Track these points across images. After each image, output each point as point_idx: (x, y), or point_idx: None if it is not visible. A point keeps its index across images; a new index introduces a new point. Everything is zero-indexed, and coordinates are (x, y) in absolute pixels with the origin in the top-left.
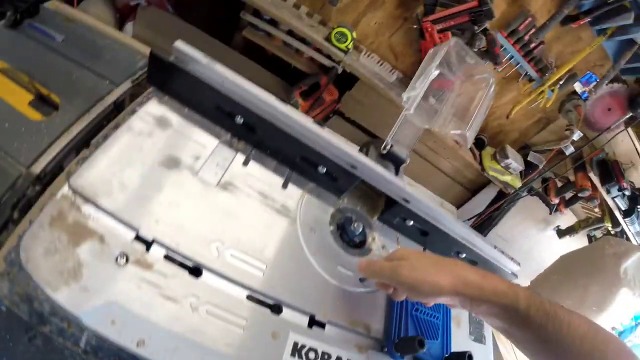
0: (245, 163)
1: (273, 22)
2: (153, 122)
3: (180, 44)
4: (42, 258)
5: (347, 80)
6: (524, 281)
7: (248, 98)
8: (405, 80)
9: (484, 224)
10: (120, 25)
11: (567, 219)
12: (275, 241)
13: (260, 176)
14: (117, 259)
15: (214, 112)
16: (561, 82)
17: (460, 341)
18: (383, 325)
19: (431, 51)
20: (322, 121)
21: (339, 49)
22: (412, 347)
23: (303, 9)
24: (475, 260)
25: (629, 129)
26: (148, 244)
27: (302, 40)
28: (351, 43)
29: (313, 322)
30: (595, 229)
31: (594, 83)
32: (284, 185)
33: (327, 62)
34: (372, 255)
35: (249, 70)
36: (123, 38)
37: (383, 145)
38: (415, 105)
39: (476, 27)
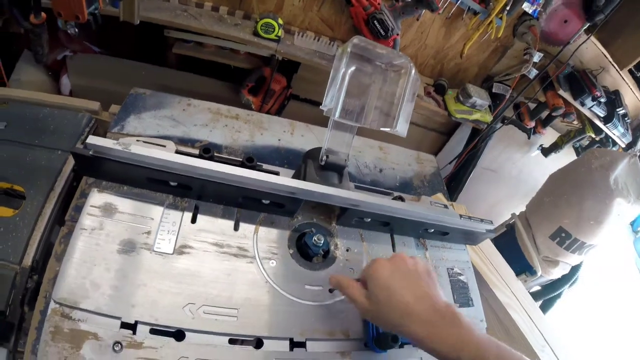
0: (193, 221)
1: None
2: (100, 214)
3: (92, 139)
4: None
5: (292, 63)
6: (520, 206)
7: (170, 165)
8: None
9: (467, 162)
10: (56, 81)
11: (549, 136)
12: (240, 284)
13: (210, 228)
14: (114, 348)
15: (149, 183)
16: (508, 8)
17: None
18: (361, 325)
19: (339, 51)
20: (279, 110)
21: (270, 39)
22: (388, 344)
23: (222, 9)
24: (447, 232)
25: (592, 37)
26: (133, 327)
27: None
28: (280, 30)
29: (293, 344)
30: (579, 140)
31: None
32: (236, 228)
33: (265, 52)
34: (338, 262)
35: (190, 84)
36: (60, 100)
37: (320, 158)
38: (339, 112)
39: None
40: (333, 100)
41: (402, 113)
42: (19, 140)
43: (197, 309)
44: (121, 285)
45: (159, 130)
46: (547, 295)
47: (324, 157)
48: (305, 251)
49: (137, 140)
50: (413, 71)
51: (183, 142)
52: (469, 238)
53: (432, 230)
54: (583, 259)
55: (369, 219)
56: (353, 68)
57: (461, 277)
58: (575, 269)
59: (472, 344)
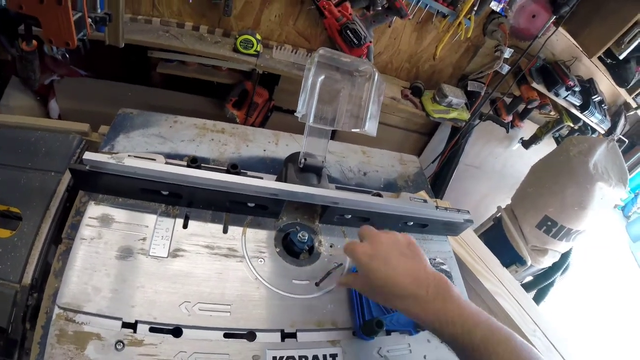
0: (185, 226)
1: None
2: (98, 224)
3: (88, 155)
4: None
5: (272, 76)
6: (507, 199)
7: (161, 175)
8: None
9: (449, 160)
10: (45, 105)
11: (528, 129)
12: (231, 282)
13: (201, 232)
14: (116, 347)
15: (142, 194)
16: (475, 8)
17: None
18: (349, 314)
19: (308, 62)
20: (263, 121)
21: (249, 54)
22: (373, 329)
23: (202, 28)
24: (426, 224)
25: (560, 28)
26: (134, 326)
27: None
28: (259, 45)
29: (284, 335)
30: (558, 130)
31: None
32: (225, 231)
33: (245, 67)
34: (322, 258)
35: (176, 102)
36: (51, 124)
37: (299, 161)
38: (312, 117)
39: None
40: (305, 107)
41: (369, 114)
42: (12, 164)
43: (193, 307)
44: (121, 289)
45: (148, 148)
46: (539, 285)
47: (303, 160)
48: (291, 248)
49: (129, 156)
50: (376, 75)
51: (171, 158)
52: (449, 229)
53: (412, 223)
54: (572, 246)
55: (350, 216)
56: (323, 77)
57: (444, 267)
58: (565, 256)
59: (459, 318)
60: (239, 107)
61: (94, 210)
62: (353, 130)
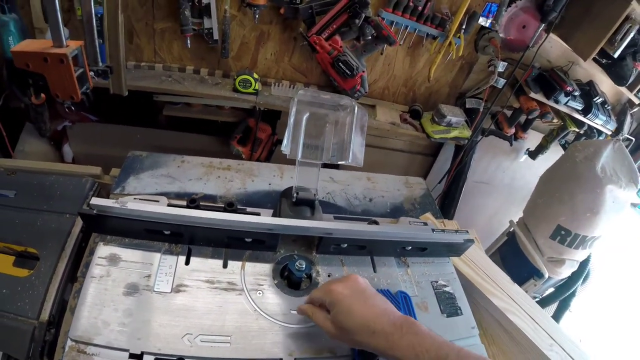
0: (187, 263)
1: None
2: (107, 263)
3: (94, 201)
4: None
5: (274, 111)
6: (519, 212)
7: (161, 217)
8: (322, 90)
9: (456, 178)
10: (59, 150)
11: (533, 139)
12: (231, 315)
13: (202, 267)
14: None
15: (147, 234)
16: (464, 27)
17: (434, 323)
18: None
19: (291, 103)
20: (268, 156)
21: (249, 93)
22: (372, 356)
23: (203, 71)
24: (425, 247)
25: (552, 34)
26: (140, 357)
27: None
28: (257, 84)
29: None
30: (564, 137)
31: (497, 11)
32: (224, 265)
33: (246, 105)
34: None
35: (183, 142)
36: (64, 168)
37: (292, 195)
38: (300, 152)
39: (357, 20)
40: (290, 144)
41: (353, 146)
42: (29, 207)
43: (195, 338)
44: (128, 322)
45: (157, 188)
46: (561, 296)
47: (295, 194)
48: (290, 278)
49: (135, 198)
50: (356, 108)
51: (180, 197)
52: (451, 250)
53: (410, 247)
54: (589, 252)
55: (346, 245)
56: (307, 114)
57: (446, 289)
58: (584, 264)
59: (431, 348)
60: (244, 144)
61: (103, 250)
62: (339, 162)
